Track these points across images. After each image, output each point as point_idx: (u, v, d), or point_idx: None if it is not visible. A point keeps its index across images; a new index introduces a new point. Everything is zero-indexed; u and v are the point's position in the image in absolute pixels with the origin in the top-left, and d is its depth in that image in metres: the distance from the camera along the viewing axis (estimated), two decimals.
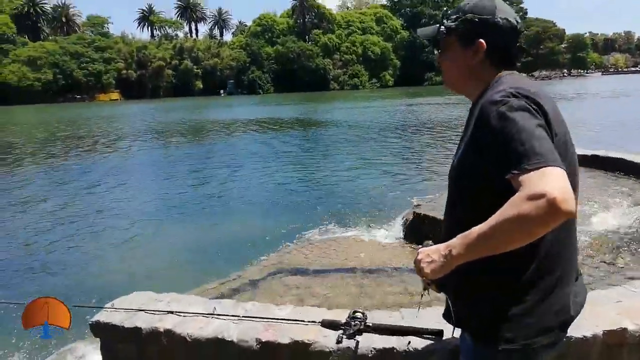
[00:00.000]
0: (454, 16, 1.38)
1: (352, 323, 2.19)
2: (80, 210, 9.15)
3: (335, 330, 2.21)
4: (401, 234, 5.85)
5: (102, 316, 2.59)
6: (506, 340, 1.27)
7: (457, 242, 1.18)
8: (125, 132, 25.34)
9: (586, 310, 1.52)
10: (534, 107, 1.20)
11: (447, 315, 1.54)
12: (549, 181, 1.06)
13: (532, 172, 1.08)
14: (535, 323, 1.27)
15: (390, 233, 5.97)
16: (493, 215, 1.11)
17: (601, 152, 8.11)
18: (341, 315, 2.30)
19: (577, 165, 1.37)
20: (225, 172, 12.88)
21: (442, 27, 1.40)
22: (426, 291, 1.40)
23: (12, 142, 22.52)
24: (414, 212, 6.39)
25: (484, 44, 1.33)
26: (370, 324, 2.08)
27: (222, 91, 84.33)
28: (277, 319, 2.37)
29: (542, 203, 1.03)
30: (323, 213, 8.10)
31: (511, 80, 1.30)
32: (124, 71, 78.73)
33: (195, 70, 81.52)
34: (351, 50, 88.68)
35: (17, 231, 7.99)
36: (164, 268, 5.98)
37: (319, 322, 2.28)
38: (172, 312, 2.39)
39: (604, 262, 4.22)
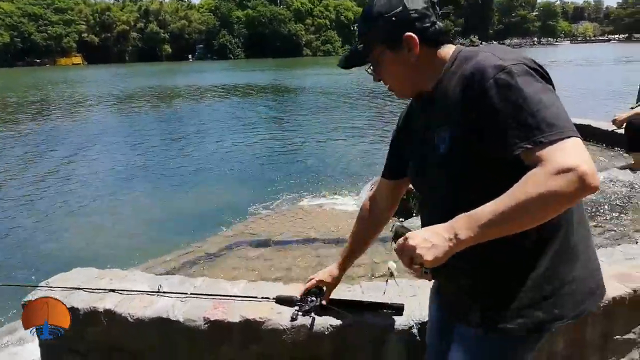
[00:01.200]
0: (367, 27, 1.25)
1: (308, 299, 2.04)
2: (33, 178, 8.75)
3: (290, 306, 2.07)
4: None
5: (36, 295, 2.37)
6: (522, 329, 1.17)
7: (463, 224, 1.03)
8: (88, 98, 24.33)
9: None
10: (536, 67, 1.08)
11: (446, 306, 1.42)
12: (574, 153, 0.97)
13: (551, 146, 0.98)
14: (552, 312, 1.17)
15: (358, 202, 5.84)
16: (508, 193, 0.99)
17: (578, 121, 8.17)
18: (298, 290, 2.15)
19: None
20: (191, 140, 12.50)
21: (361, 44, 1.27)
22: (393, 277, 1.25)
23: None
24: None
25: (413, 35, 1.19)
26: (324, 302, 1.94)
27: (190, 56, 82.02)
28: (228, 296, 2.19)
29: (573, 177, 0.95)
30: (292, 181, 7.94)
31: (484, 49, 1.16)
32: (86, 34, 75.36)
33: (162, 34, 78.76)
34: (324, 14, 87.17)
35: None
36: (116, 240, 5.73)
37: (273, 299, 2.12)
38: (113, 291, 2.18)
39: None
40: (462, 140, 1.13)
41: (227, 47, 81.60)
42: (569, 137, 0.98)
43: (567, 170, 0.95)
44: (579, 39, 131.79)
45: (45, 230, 6.16)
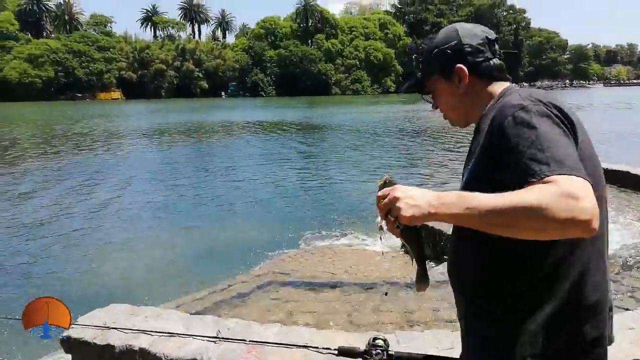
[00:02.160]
0: (425, 57, 1.36)
1: (374, 352, 1.85)
2: (71, 211, 8.98)
3: (354, 358, 1.92)
4: (398, 243, 5.68)
5: (74, 332, 2.41)
6: None
7: (452, 199, 1.02)
8: (125, 131, 25.18)
9: None
10: (556, 112, 1.09)
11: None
12: (584, 190, 0.95)
13: (560, 177, 0.96)
14: None
15: (387, 242, 5.78)
16: (509, 193, 0.98)
17: (605, 165, 7.96)
18: (335, 338, 2.12)
19: (603, 176, 1.22)
20: (222, 176, 12.70)
21: (420, 75, 1.39)
22: (382, 232, 1.19)
23: (10, 138, 22.34)
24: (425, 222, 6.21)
25: (463, 67, 1.28)
26: (393, 353, 1.78)
27: (223, 93, 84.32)
28: (262, 342, 2.17)
29: (574, 205, 0.92)
30: (320, 219, 7.94)
31: (523, 90, 1.20)
32: (125, 71, 78.68)
33: (197, 72, 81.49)
34: (354, 55, 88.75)
35: (3, 231, 7.79)
36: (150, 275, 5.78)
37: (335, 349, 1.98)
38: (145, 332, 2.19)
39: (612, 280, 4.03)
40: (482, 168, 1.16)
41: (259, 84, 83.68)
42: (577, 176, 0.97)
43: (574, 197, 0.92)
44: (613, 81, 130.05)
45: (79, 264, 6.27)
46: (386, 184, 1.15)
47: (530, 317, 1.11)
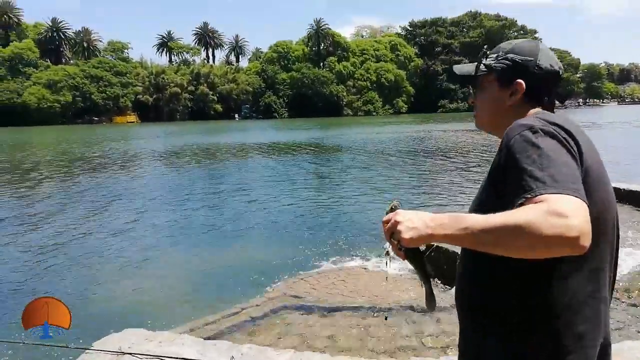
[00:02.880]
0: (495, 55, 1.34)
1: None
2: (85, 233, 9.07)
3: None
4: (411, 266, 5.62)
5: (88, 357, 2.42)
6: None
7: (448, 221, 1.06)
8: (140, 154, 25.53)
9: None
10: (564, 135, 1.10)
11: None
12: (573, 207, 0.95)
13: (552, 195, 0.97)
14: None
15: (400, 264, 5.74)
16: (502, 213, 0.99)
17: (625, 185, 7.86)
18: None
19: (614, 201, 1.21)
20: (235, 198, 12.77)
21: (482, 65, 1.36)
22: (388, 257, 1.25)
23: (29, 161, 22.79)
24: (425, 243, 6.16)
25: (523, 85, 1.28)
26: None
27: (236, 115, 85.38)
28: None
29: (561, 223, 0.92)
30: (333, 241, 7.91)
31: (540, 113, 1.24)
32: (142, 95, 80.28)
33: (212, 95, 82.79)
34: (365, 77, 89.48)
35: (21, 250, 7.91)
36: (164, 297, 5.79)
37: None
38: (159, 357, 2.20)
39: (634, 305, 3.94)
40: (483, 202, 1.20)
41: (272, 106, 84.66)
42: (571, 195, 0.97)
43: (561, 215, 0.92)
44: (627, 100, 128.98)
45: (93, 286, 6.31)
46: (392, 210, 1.19)
47: (519, 335, 1.13)
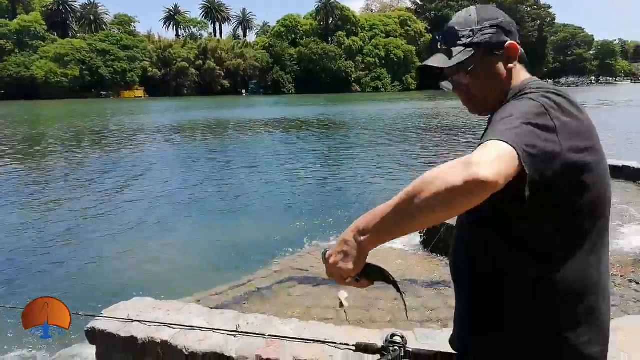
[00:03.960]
0: (468, 31, 1.23)
1: (391, 348, 1.87)
2: (92, 208, 9.18)
3: (370, 354, 1.95)
4: (418, 241, 5.67)
5: (98, 323, 2.48)
6: None
7: (362, 221, 1.01)
8: (146, 128, 25.57)
9: (617, 340, 1.32)
10: (553, 109, 1.05)
11: None
12: (483, 152, 0.92)
13: (490, 141, 0.95)
14: None
15: (407, 240, 5.77)
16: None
17: (631, 163, 7.79)
18: (352, 334, 2.14)
19: (609, 179, 1.18)
20: (242, 172, 12.82)
21: (469, 49, 1.22)
22: (343, 301, 1.25)
23: (36, 135, 22.93)
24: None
25: (517, 45, 1.23)
26: (411, 350, 1.80)
27: (244, 91, 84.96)
28: (280, 336, 2.21)
29: (461, 165, 0.90)
30: (341, 216, 7.95)
31: (544, 88, 1.17)
32: (150, 69, 79.92)
33: (219, 70, 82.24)
34: (374, 53, 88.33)
35: (28, 227, 8.03)
36: (172, 269, 5.89)
37: (353, 345, 2.03)
38: (167, 325, 2.25)
39: (634, 280, 3.96)
40: None
41: (280, 82, 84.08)
42: (501, 140, 0.93)
43: (466, 162, 0.90)
44: None
45: (104, 258, 6.43)
46: (324, 258, 1.12)
47: (533, 306, 1.11)
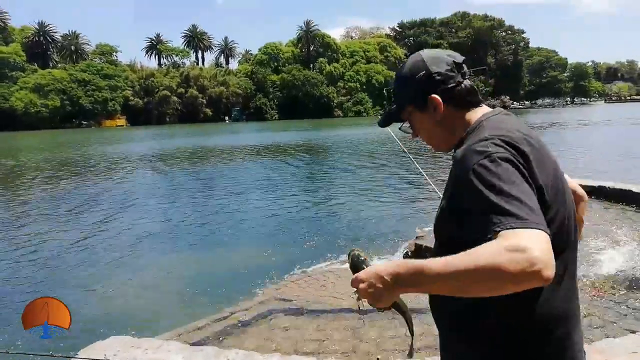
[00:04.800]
0: (398, 89, 1.36)
1: None
2: (69, 241, 8.97)
3: None
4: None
5: None
6: None
7: (404, 273, 1.03)
8: (128, 157, 25.37)
9: None
10: (518, 158, 1.09)
11: None
12: (532, 240, 0.94)
13: (508, 231, 0.96)
14: None
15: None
16: (458, 255, 0.98)
17: (608, 184, 7.94)
18: None
19: (572, 202, 1.23)
20: (223, 201, 12.73)
21: (394, 105, 1.37)
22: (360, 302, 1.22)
23: (18, 167, 22.55)
24: (415, 244, 6.21)
25: (437, 97, 1.27)
26: None
27: (227, 118, 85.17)
28: None
29: (522, 258, 0.92)
30: (321, 243, 7.92)
31: (492, 125, 1.21)
32: (131, 98, 79.80)
33: (201, 98, 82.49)
34: (355, 78, 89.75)
35: (5, 256, 7.82)
36: (150, 302, 5.77)
37: None
38: None
39: (614, 301, 3.99)
40: (446, 215, 1.19)
41: (263, 109, 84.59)
42: (531, 228, 0.96)
43: (520, 250, 0.92)
44: (614, 98, 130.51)
45: (78, 292, 6.25)
46: (352, 262, 1.19)
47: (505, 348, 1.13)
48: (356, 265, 1.18)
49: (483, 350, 1.15)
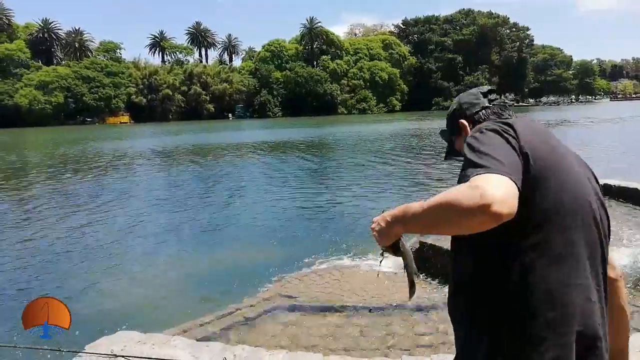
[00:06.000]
0: (445, 130, 1.66)
1: None
2: (77, 235, 9.01)
3: None
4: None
5: None
6: None
7: (398, 212, 1.23)
8: (131, 154, 25.43)
9: None
10: (505, 127, 1.25)
11: None
12: (489, 180, 1.07)
13: (478, 176, 1.09)
14: None
15: (395, 262, 5.75)
16: (434, 196, 1.13)
17: (615, 182, 7.90)
18: None
19: (586, 190, 1.25)
20: (228, 198, 12.75)
21: (447, 134, 1.65)
22: (382, 256, 1.44)
23: (22, 163, 22.64)
24: (420, 241, 6.21)
25: (464, 122, 1.51)
26: None
27: (230, 115, 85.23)
28: None
29: (475, 193, 1.04)
30: (327, 240, 7.91)
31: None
32: (135, 95, 79.94)
33: (204, 95, 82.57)
34: (359, 75, 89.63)
35: (10, 253, 7.86)
36: (157, 299, 5.78)
37: None
38: (151, 359, 2.20)
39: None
40: None
41: (266, 106, 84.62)
42: (493, 173, 1.09)
43: (475, 187, 1.05)
44: (619, 96, 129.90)
45: (86, 289, 6.26)
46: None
47: (490, 326, 1.18)
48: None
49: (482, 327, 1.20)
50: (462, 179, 1.14)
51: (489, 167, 1.10)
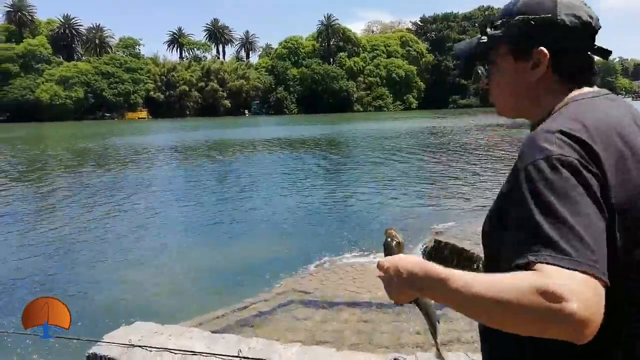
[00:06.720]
0: (499, 21, 1.04)
1: None
2: (95, 228, 9.19)
3: None
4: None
5: (100, 348, 2.48)
6: None
7: (421, 275, 0.88)
8: (149, 149, 25.74)
9: None
10: (585, 162, 0.84)
11: None
12: (573, 288, 0.73)
13: (552, 267, 0.76)
14: None
15: None
16: (483, 278, 0.81)
17: None
18: (355, 359, 2.13)
19: None
20: (244, 193, 12.85)
21: (484, 37, 1.05)
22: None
23: (43, 157, 23.09)
24: (435, 239, 6.20)
25: (547, 53, 0.97)
26: None
27: (246, 111, 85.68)
28: None
29: (552, 308, 0.72)
30: (342, 236, 7.94)
31: (574, 110, 0.95)
32: (153, 91, 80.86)
33: (221, 91, 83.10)
34: (375, 73, 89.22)
35: (34, 244, 8.05)
36: (174, 291, 5.88)
37: None
38: (168, 350, 2.25)
39: None
40: (492, 218, 1.00)
41: (282, 102, 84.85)
42: (577, 270, 0.75)
43: (556, 297, 0.72)
44: None
45: (104, 280, 6.41)
46: (385, 242, 1.04)
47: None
48: (387, 247, 1.04)
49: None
50: (520, 245, 0.81)
51: (570, 255, 0.76)
